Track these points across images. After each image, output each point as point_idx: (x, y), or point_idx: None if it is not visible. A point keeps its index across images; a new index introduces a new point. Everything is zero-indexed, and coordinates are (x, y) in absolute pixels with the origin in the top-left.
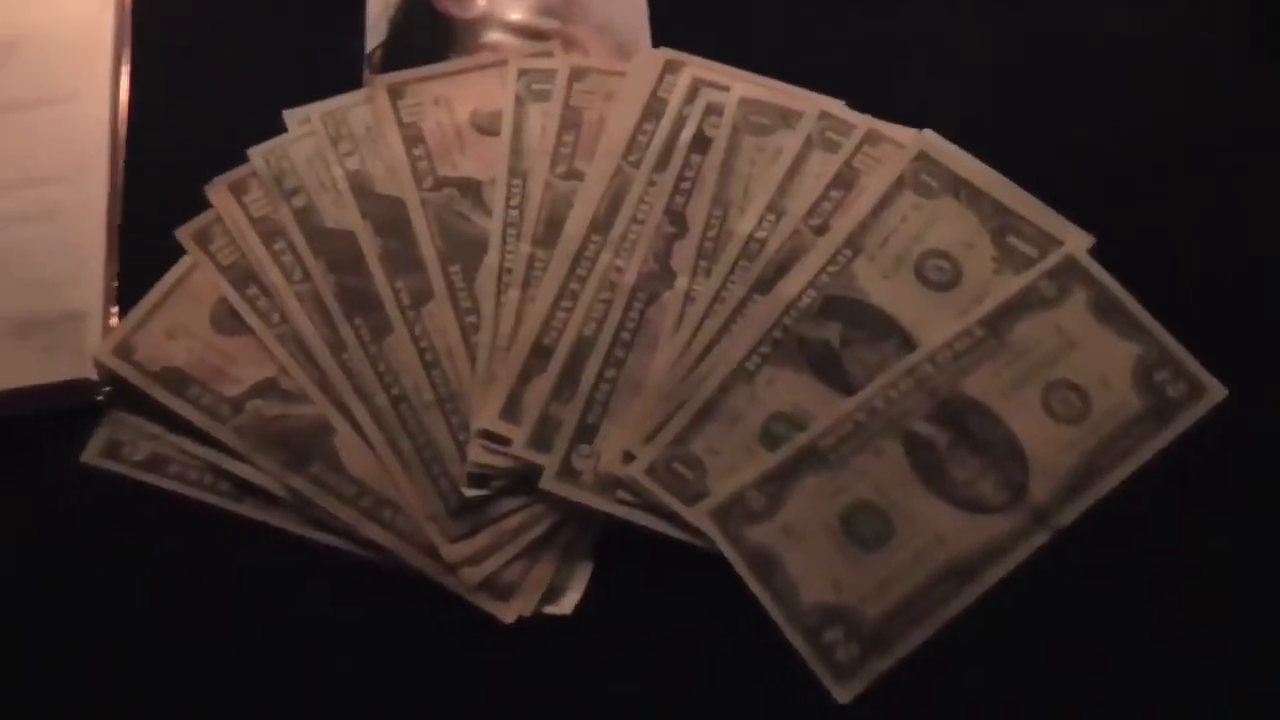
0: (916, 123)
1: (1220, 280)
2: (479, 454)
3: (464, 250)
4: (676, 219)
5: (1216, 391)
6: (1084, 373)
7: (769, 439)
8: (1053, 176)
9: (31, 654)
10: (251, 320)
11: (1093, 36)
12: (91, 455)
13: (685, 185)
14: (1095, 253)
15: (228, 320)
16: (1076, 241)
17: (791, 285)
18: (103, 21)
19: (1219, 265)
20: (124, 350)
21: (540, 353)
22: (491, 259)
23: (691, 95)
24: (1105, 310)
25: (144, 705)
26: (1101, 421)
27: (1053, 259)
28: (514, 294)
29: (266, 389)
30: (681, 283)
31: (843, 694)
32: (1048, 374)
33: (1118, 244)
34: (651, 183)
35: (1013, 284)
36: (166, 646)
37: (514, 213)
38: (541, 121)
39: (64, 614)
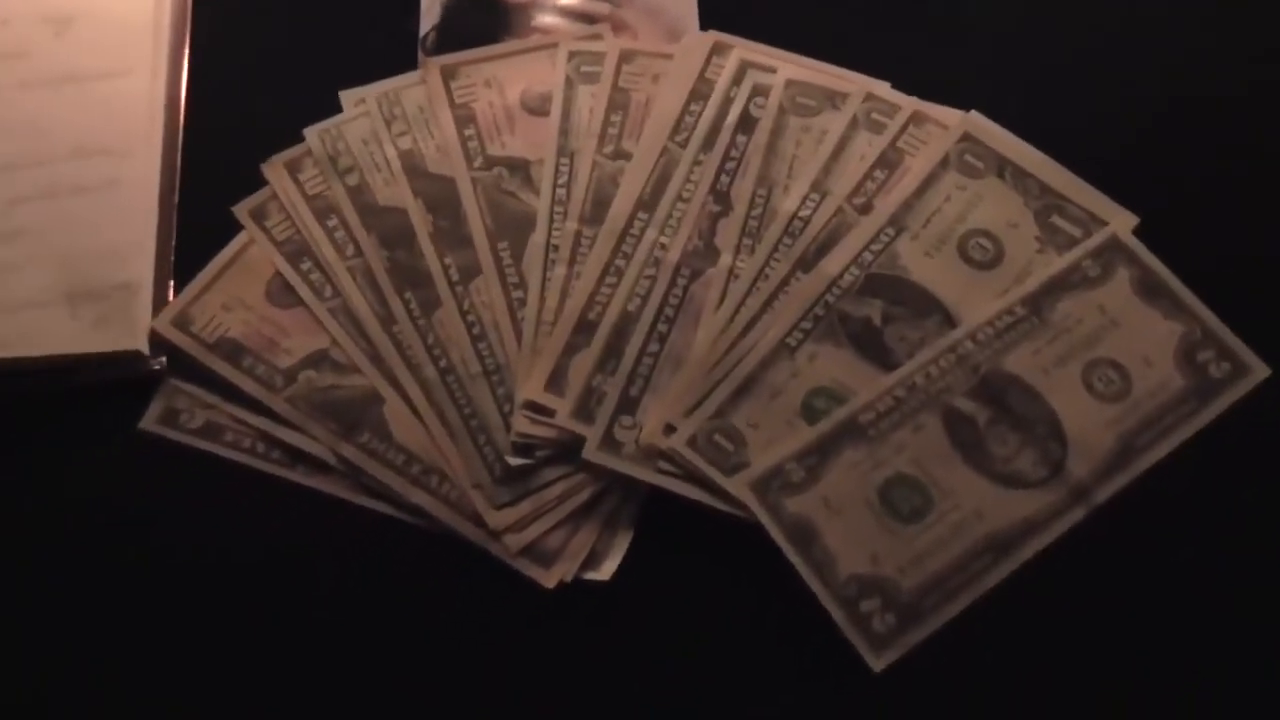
0: (962, 104)
1: (1265, 260)
2: (524, 424)
3: (512, 228)
4: (721, 198)
5: (1260, 370)
6: (1126, 351)
7: (809, 413)
8: (1098, 157)
9: (93, 615)
10: (305, 294)
11: (1140, 17)
12: (149, 423)
13: (730, 165)
14: (1140, 233)
15: (282, 294)
16: (1121, 222)
17: (834, 263)
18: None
19: (1264, 245)
20: (182, 321)
21: (585, 327)
22: (539, 236)
23: (738, 77)
24: (1149, 290)
25: (196, 663)
26: (1142, 400)
27: (1097, 239)
28: (560, 270)
29: (318, 360)
30: (725, 260)
31: (878, 663)
32: (1089, 352)
33: (1162, 224)
34: (697, 162)
35: (1056, 263)
36: (218, 607)
37: (561, 191)
38: (590, 103)
39: (123, 574)
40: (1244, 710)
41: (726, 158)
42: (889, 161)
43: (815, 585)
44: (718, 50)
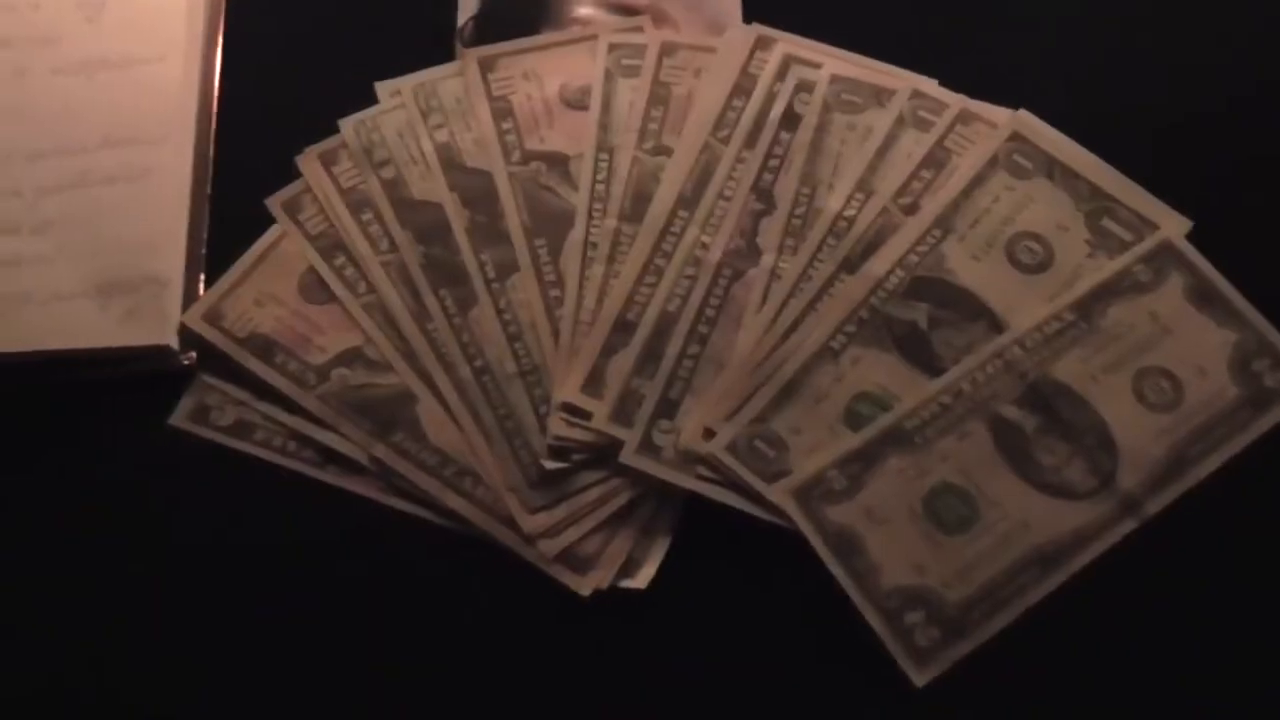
0: (1011, 102)
1: None
2: (560, 427)
3: (550, 224)
4: (764, 196)
5: None
6: (1178, 360)
7: (853, 419)
8: (1150, 160)
9: (120, 613)
10: (338, 290)
11: (1193, 17)
12: (180, 419)
13: (774, 162)
14: (1193, 238)
15: (315, 289)
16: (1174, 226)
17: (879, 265)
18: None
19: None
20: (213, 316)
21: (623, 327)
22: (577, 233)
23: (782, 72)
24: (1202, 297)
25: (222, 664)
26: (1195, 410)
27: (1149, 243)
28: (599, 268)
29: (352, 357)
30: (768, 260)
31: (921, 678)
32: (1140, 360)
33: (1216, 229)
34: (740, 159)
35: (1106, 268)
36: (246, 607)
37: (601, 187)
38: (630, 97)
39: (150, 572)
40: None
41: (769, 155)
42: (936, 161)
43: (857, 597)
44: (761, 44)
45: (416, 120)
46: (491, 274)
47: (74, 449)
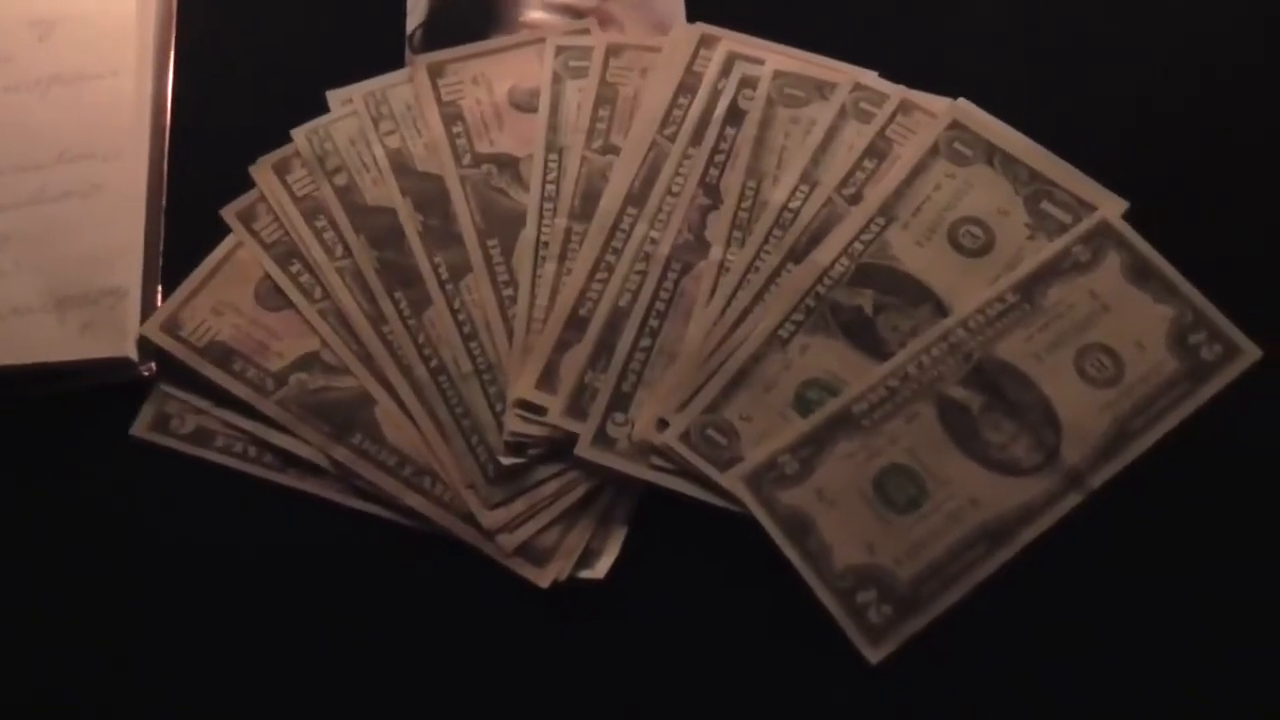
0: (951, 92)
1: (1255, 242)
2: (516, 423)
3: (502, 225)
4: (711, 191)
5: (1251, 352)
6: (1118, 336)
7: (802, 405)
8: (1087, 143)
9: (83, 624)
10: (294, 296)
11: (1129, 2)
12: (140, 429)
13: (720, 158)
14: (1129, 218)
15: (271, 296)
16: (1111, 207)
17: (825, 254)
18: (145, 1)
19: (1253, 227)
20: (172, 326)
21: (576, 323)
22: (529, 233)
23: (726, 69)
24: (1140, 274)
25: (189, 667)
26: (1135, 384)
27: (1086, 224)
28: (551, 267)
29: (309, 362)
30: (716, 253)
31: (875, 655)
32: (1081, 338)
33: (1152, 209)
34: (686, 155)
35: (1046, 249)
36: (212, 612)
37: (551, 187)
38: (578, 98)
39: (114, 583)
40: (1241, 694)
41: (715, 150)
42: (878, 151)
43: (810, 578)
44: (705, 42)
45: (368, 127)
46: (445, 275)
47: (36, 463)
